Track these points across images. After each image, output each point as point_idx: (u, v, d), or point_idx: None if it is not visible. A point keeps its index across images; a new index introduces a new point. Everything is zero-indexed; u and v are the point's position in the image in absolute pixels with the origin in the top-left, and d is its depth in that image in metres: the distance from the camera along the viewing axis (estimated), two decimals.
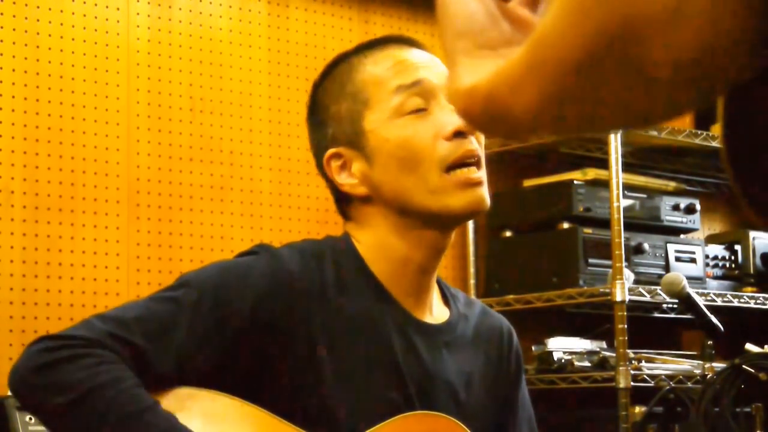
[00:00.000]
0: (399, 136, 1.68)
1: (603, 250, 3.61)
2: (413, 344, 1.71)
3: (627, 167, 3.75)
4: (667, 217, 3.97)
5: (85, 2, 3.28)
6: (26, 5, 3.18)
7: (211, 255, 3.37)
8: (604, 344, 3.75)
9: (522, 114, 0.72)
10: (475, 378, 1.77)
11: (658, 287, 3.38)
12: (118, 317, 1.58)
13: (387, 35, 1.82)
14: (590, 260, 3.67)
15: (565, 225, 3.73)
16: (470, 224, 3.90)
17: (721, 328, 2.87)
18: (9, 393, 2.74)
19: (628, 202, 3.76)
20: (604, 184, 3.62)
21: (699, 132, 3.86)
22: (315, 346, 1.63)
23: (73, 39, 3.25)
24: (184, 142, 3.41)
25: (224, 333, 1.59)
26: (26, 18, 3.18)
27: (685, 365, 3.64)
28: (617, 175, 3.53)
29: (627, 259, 3.60)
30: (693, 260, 3.95)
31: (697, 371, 3.47)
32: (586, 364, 3.63)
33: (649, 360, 3.61)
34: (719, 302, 3.79)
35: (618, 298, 3.46)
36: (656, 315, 3.97)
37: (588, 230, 3.69)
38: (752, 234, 4.17)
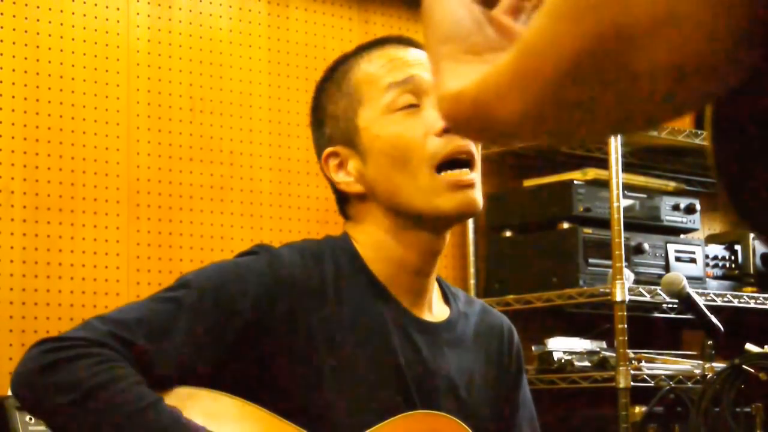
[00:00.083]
0: (390, 132, 1.69)
1: (603, 250, 3.61)
2: (414, 343, 1.71)
3: (627, 167, 3.75)
4: (667, 217, 3.97)
5: (85, 2, 3.28)
6: (26, 5, 3.18)
7: (211, 255, 3.37)
8: (604, 344, 3.75)
9: (508, 120, 0.72)
10: (476, 376, 1.78)
11: (658, 287, 3.38)
12: (118, 318, 1.58)
13: (385, 36, 1.83)
14: (590, 260, 3.67)
15: (565, 225, 3.73)
16: (470, 224, 3.90)
17: (721, 328, 2.87)
18: (9, 393, 2.75)
19: (628, 202, 3.76)
20: (604, 184, 3.62)
21: (699, 132, 3.86)
22: (315, 346, 1.63)
23: (73, 39, 3.25)
24: (184, 142, 3.41)
25: (225, 333, 1.59)
26: (26, 18, 3.18)
27: (685, 365, 3.64)
28: (617, 175, 3.53)
29: (627, 259, 3.60)
30: (693, 260, 3.95)
31: (697, 371, 3.47)
32: (586, 364, 3.63)
33: (649, 360, 3.61)
34: (719, 302, 3.79)
35: (618, 298, 3.46)
36: (656, 315, 3.97)
37: (588, 230, 3.69)
38: (752, 234, 4.17)
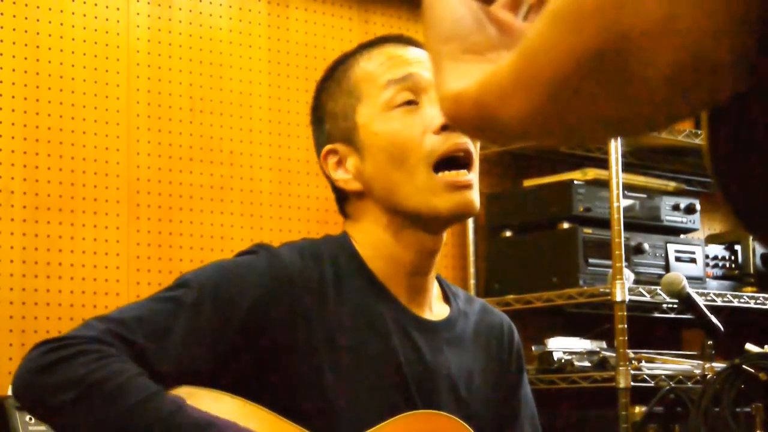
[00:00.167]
0: (388, 129, 1.69)
1: (603, 250, 3.61)
2: (414, 341, 1.71)
3: (627, 167, 3.76)
4: (667, 217, 3.97)
5: (85, 2, 3.28)
6: (26, 5, 3.18)
7: (211, 255, 3.37)
8: (604, 344, 3.75)
9: (509, 121, 0.72)
10: (476, 375, 1.78)
11: (658, 287, 3.38)
12: (117, 317, 1.58)
13: (385, 35, 1.83)
14: (590, 260, 3.67)
15: (565, 225, 3.73)
16: (470, 224, 3.90)
17: (721, 328, 2.87)
18: (9, 393, 2.75)
19: (628, 202, 3.76)
20: (604, 184, 3.62)
21: (699, 132, 3.86)
22: (315, 345, 1.63)
23: (73, 39, 3.25)
24: (184, 142, 3.41)
25: (224, 332, 1.59)
26: (26, 18, 3.18)
27: (685, 365, 3.65)
28: (617, 175, 3.53)
29: (627, 259, 3.60)
30: (693, 260, 3.95)
31: (697, 371, 3.47)
32: (586, 364, 3.63)
33: (649, 360, 3.61)
34: (719, 302, 3.79)
35: (618, 298, 3.46)
36: (656, 315, 3.97)
37: (588, 230, 3.69)
38: (747, 232, 4.16)
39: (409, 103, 1.69)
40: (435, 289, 1.80)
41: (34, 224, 3.13)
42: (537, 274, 3.76)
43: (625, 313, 3.47)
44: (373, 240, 1.72)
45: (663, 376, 3.54)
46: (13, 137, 3.12)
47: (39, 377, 1.53)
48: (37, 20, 3.20)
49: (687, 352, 3.88)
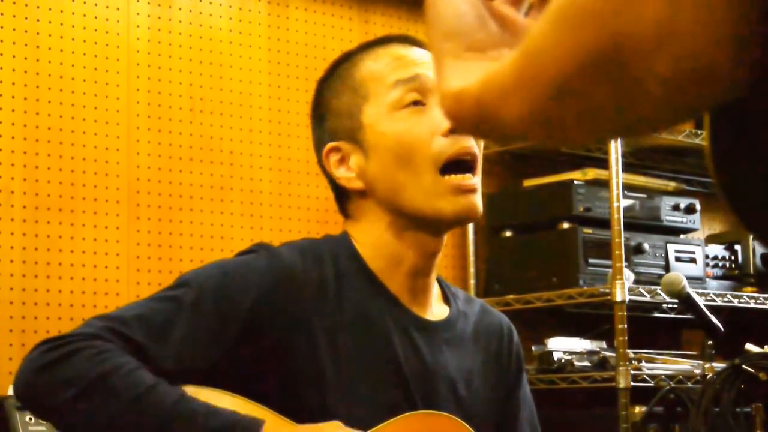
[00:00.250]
0: (395, 129, 1.68)
1: (603, 250, 3.61)
2: (413, 341, 1.71)
3: (627, 167, 3.76)
4: (667, 217, 3.97)
5: (85, 2, 3.28)
6: (26, 5, 3.18)
7: (211, 255, 3.37)
8: (604, 344, 3.75)
9: (510, 121, 0.72)
10: (476, 375, 1.78)
11: (658, 287, 3.38)
12: (118, 316, 1.59)
13: (389, 34, 1.83)
14: (590, 260, 3.67)
15: (565, 225, 3.73)
16: (470, 224, 3.90)
17: (721, 328, 2.87)
18: (9, 393, 2.75)
19: (628, 202, 3.76)
20: (604, 184, 3.62)
21: (699, 132, 3.86)
22: (315, 345, 1.63)
23: (73, 39, 3.25)
24: (184, 142, 3.41)
25: (224, 332, 1.59)
26: (26, 18, 3.18)
27: (685, 365, 3.65)
28: (617, 175, 3.53)
29: (627, 259, 3.60)
30: (693, 260, 3.95)
31: (697, 371, 3.47)
32: (586, 364, 3.63)
33: (649, 360, 3.61)
34: (719, 302, 3.79)
35: (618, 298, 3.46)
36: (656, 315, 3.97)
37: (588, 230, 3.69)
38: (749, 232, 4.16)
39: (416, 103, 1.69)
40: (435, 290, 1.80)
41: (34, 224, 3.13)
42: (537, 274, 3.76)
43: (625, 313, 3.47)
44: (374, 240, 1.72)
45: (663, 376, 3.54)
46: (13, 137, 3.12)
47: (40, 376, 1.54)
48: (37, 20, 3.20)
49: (687, 352, 3.88)
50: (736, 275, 4.12)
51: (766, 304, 3.98)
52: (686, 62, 0.63)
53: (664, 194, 4.01)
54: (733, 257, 4.15)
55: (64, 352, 1.54)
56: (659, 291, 3.46)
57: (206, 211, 3.43)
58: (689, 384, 3.49)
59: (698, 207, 4.06)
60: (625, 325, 3.45)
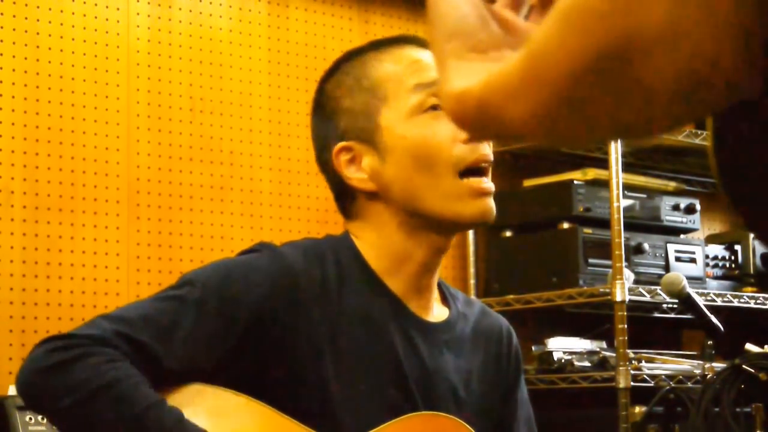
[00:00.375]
0: (417, 134, 1.68)
1: (603, 250, 3.61)
2: (414, 342, 1.71)
3: (627, 167, 3.76)
4: (667, 217, 3.97)
5: (85, 2, 3.28)
6: (26, 5, 3.18)
7: (211, 255, 3.37)
8: (604, 344, 3.75)
9: (513, 121, 0.72)
10: (474, 377, 1.78)
11: (658, 287, 3.38)
12: (123, 317, 1.59)
13: (401, 35, 1.82)
14: (590, 260, 3.67)
15: (565, 225, 3.73)
16: None
17: (721, 328, 2.87)
18: (9, 393, 2.75)
19: (628, 202, 3.76)
20: (604, 184, 3.62)
21: (699, 132, 3.86)
22: (317, 344, 1.64)
23: (73, 39, 3.25)
24: (184, 142, 3.41)
25: (228, 331, 1.60)
26: (26, 18, 3.18)
27: (685, 365, 3.64)
28: (617, 175, 3.53)
29: (627, 259, 3.60)
30: (693, 260, 3.95)
31: (697, 371, 3.47)
32: (586, 364, 3.63)
33: (649, 360, 3.61)
34: (719, 302, 3.79)
35: (618, 298, 3.46)
36: (656, 315, 3.97)
37: (588, 230, 3.69)
38: (752, 234, 4.17)
39: (435, 108, 1.69)
40: (435, 291, 1.80)
41: (34, 224, 3.13)
42: (537, 274, 3.76)
43: (625, 313, 3.47)
44: (380, 240, 1.72)
45: (663, 376, 3.54)
46: (13, 137, 3.12)
47: (44, 377, 1.54)
48: (37, 20, 3.20)
49: (687, 352, 3.88)
50: (736, 275, 4.12)
51: (766, 304, 3.98)
52: (692, 63, 0.63)
53: (664, 194, 4.01)
54: (733, 257, 4.15)
55: (69, 356, 1.53)
56: (659, 291, 3.46)
57: (206, 211, 3.43)
58: (689, 384, 3.49)
59: (698, 207, 4.06)
60: (625, 325, 3.45)
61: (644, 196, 3.92)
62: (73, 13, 3.26)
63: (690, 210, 4.03)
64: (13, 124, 3.13)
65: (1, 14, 3.14)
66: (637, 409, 3.39)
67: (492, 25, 0.80)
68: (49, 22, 3.22)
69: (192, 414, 1.55)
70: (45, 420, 2.68)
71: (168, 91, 3.40)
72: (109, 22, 3.32)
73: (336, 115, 1.74)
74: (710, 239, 4.29)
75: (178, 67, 3.43)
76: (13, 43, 3.15)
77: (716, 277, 4.07)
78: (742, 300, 3.92)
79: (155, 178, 3.35)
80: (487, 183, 1.70)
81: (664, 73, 0.64)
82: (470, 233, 3.93)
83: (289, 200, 3.60)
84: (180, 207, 3.38)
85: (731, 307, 3.86)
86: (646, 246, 3.80)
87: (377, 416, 1.63)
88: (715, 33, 0.62)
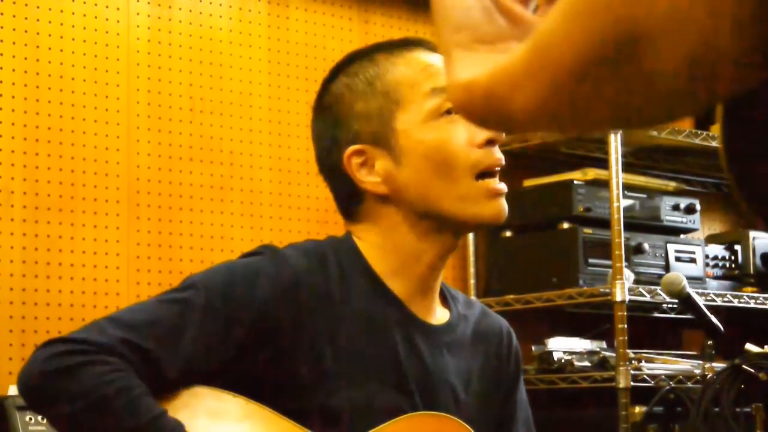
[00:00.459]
0: (434, 138, 1.69)
1: (603, 250, 3.61)
2: (415, 344, 1.71)
3: (627, 167, 3.75)
4: (667, 217, 3.97)
5: (85, 2, 3.28)
6: (26, 5, 3.18)
7: (211, 255, 3.37)
8: (604, 344, 3.75)
9: (520, 111, 0.72)
10: (475, 378, 1.78)
11: (658, 287, 3.38)
12: (128, 321, 1.58)
13: (408, 38, 1.82)
14: (590, 260, 3.67)
15: (565, 225, 3.73)
16: None
17: (721, 328, 2.87)
18: (9, 393, 2.75)
19: (628, 202, 3.76)
20: (604, 184, 3.62)
21: (699, 132, 3.86)
22: (319, 347, 1.64)
23: (73, 39, 3.25)
24: (184, 142, 3.41)
25: (232, 334, 1.60)
26: (26, 18, 3.18)
27: (685, 365, 3.65)
28: (617, 175, 3.53)
29: (627, 259, 3.60)
30: (693, 260, 3.95)
31: (697, 371, 3.47)
32: (586, 364, 3.63)
33: (649, 360, 3.61)
34: (719, 302, 3.79)
35: (618, 298, 3.46)
36: (656, 315, 3.97)
37: (588, 230, 3.69)
38: (752, 234, 4.18)
39: (449, 112, 1.70)
40: (437, 293, 1.80)
41: (34, 224, 3.13)
42: (537, 274, 3.76)
43: (625, 313, 3.46)
44: (387, 242, 1.72)
45: (663, 376, 3.54)
46: (13, 137, 3.12)
47: (46, 381, 1.54)
48: (37, 20, 3.20)
49: (687, 352, 3.88)
50: (736, 275, 4.12)
51: (766, 304, 3.98)
52: (697, 50, 0.63)
53: (664, 194, 4.01)
54: (733, 257, 4.15)
55: (75, 361, 1.53)
56: (659, 291, 3.46)
57: (206, 211, 3.43)
58: (689, 384, 3.49)
59: (698, 207, 4.06)
60: (625, 325, 3.45)
61: (644, 196, 3.92)
62: (73, 13, 3.26)
63: (690, 210, 4.03)
64: (13, 124, 3.13)
65: (1, 14, 3.14)
66: (637, 409, 3.39)
67: (497, 18, 0.80)
68: (49, 22, 3.22)
69: (190, 416, 1.55)
70: (45, 420, 2.68)
71: (168, 91, 3.40)
72: (109, 22, 3.32)
73: (347, 117, 1.74)
74: (710, 239, 4.29)
75: (178, 67, 3.43)
76: (13, 43, 3.16)
77: (716, 277, 4.07)
78: (742, 300, 3.92)
79: (155, 178, 3.35)
80: (501, 184, 1.72)
81: (669, 61, 0.64)
82: (470, 233, 3.93)
83: (289, 200, 3.60)
84: (180, 207, 3.38)
85: (731, 307, 3.86)
86: (646, 246, 3.80)
87: (378, 418, 1.63)
88: (719, 20, 0.62)
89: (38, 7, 3.20)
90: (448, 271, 3.92)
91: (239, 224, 3.49)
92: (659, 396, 3.24)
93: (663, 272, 3.68)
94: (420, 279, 1.73)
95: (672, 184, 4.10)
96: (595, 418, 3.68)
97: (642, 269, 3.77)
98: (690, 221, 4.04)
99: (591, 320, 3.89)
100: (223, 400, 1.58)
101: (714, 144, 3.87)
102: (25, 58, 3.17)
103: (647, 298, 3.59)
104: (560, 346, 3.67)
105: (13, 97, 3.14)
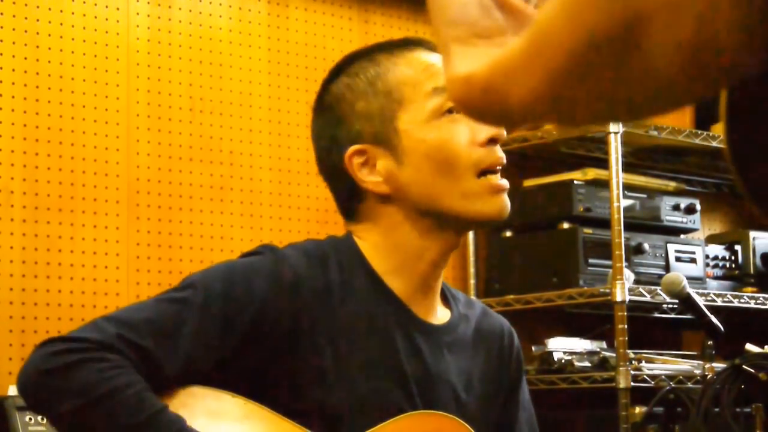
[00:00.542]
0: (436, 137, 1.69)
1: (603, 250, 3.61)
2: (416, 344, 1.71)
3: (627, 167, 3.75)
4: (667, 217, 3.97)
5: (85, 2, 3.28)
6: (26, 5, 3.18)
7: (211, 255, 3.37)
8: (604, 344, 3.75)
9: (519, 103, 0.72)
10: (476, 378, 1.78)
11: (658, 287, 3.38)
12: (127, 319, 1.58)
13: (408, 38, 1.82)
14: (590, 260, 3.67)
15: (565, 225, 3.73)
16: None
17: (721, 328, 2.87)
18: (9, 393, 2.75)
19: (628, 202, 3.76)
20: (604, 184, 3.62)
21: (699, 132, 3.86)
22: (319, 346, 1.64)
23: (73, 39, 3.25)
24: (184, 142, 3.41)
25: (231, 333, 1.60)
26: (26, 18, 3.18)
27: (685, 365, 3.65)
28: (617, 175, 3.53)
29: (627, 259, 3.60)
30: (693, 260, 3.95)
31: (697, 371, 3.47)
32: (586, 364, 3.63)
33: (649, 360, 3.61)
34: (719, 302, 3.79)
35: (618, 298, 3.46)
36: (656, 315, 3.97)
37: (588, 230, 3.69)
38: (752, 234, 4.17)
39: (451, 111, 1.70)
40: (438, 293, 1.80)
41: (34, 224, 3.13)
42: (537, 274, 3.76)
43: (625, 314, 3.46)
44: (389, 241, 1.72)
45: (663, 377, 3.54)
46: (13, 137, 3.12)
47: (45, 380, 1.54)
48: (37, 20, 3.20)
49: (687, 352, 3.88)
50: (736, 275, 4.12)
51: (766, 304, 3.97)
52: (693, 37, 0.63)
53: (664, 194, 4.01)
54: (733, 257, 4.15)
55: (74, 359, 1.53)
56: (659, 291, 3.46)
57: (206, 211, 3.43)
58: (689, 384, 3.49)
59: (698, 207, 4.06)
60: (625, 325, 3.45)
61: (644, 196, 3.92)
62: (73, 13, 3.26)
63: (690, 210, 4.03)
64: (13, 124, 3.13)
65: (1, 14, 3.14)
66: (637, 409, 3.39)
67: (494, 13, 0.80)
68: (49, 22, 3.22)
69: (190, 416, 1.55)
70: (45, 420, 2.68)
71: (168, 91, 3.40)
72: (109, 22, 3.32)
73: (349, 117, 1.74)
74: (710, 239, 4.29)
75: (178, 67, 3.43)
76: (13, 43, 3.15)
77: (716, 278, 4.07)
78: (742, 300, 3.92)
79: (155, 178, 3.35)
80: (503, 180, 1.72)
81: (666, 48, 0.64)
82: (470, 233, 3.93)
83: (289, 200, 3.60)
84: (180, 207, 3.38)
85: (731, 307, 3.86)
86: (646, 246, 3.80)
87: (378, 418, 1.63)
88: (715, 6, 0.62)
89: (38, 7, 3.20)
90: (448, 270, 3.91)
91: (239, 224, 3.49)
92: (659, 396, 3.23)
93: (663, 272, 3.67)
94: (421, 278, 1.73)
95: (672, 184, 4.10)
96: (595, 419, 3.68)
97: (642, 269, 3.77)
98: (690, 221, 4.04)
99: (591, 320, 3.89)
100: (223, 400, 1.58)
101: (714, 144, 3.87)
102: (25, 58, 3.17)
103: (647, 298, 3.59)
104: (560, 346, 3.67)
105: (13, 97, 3.14)
